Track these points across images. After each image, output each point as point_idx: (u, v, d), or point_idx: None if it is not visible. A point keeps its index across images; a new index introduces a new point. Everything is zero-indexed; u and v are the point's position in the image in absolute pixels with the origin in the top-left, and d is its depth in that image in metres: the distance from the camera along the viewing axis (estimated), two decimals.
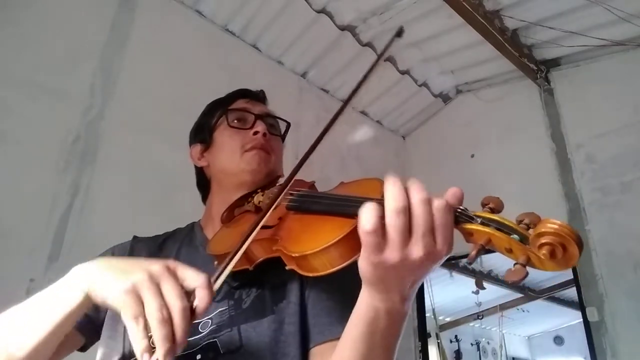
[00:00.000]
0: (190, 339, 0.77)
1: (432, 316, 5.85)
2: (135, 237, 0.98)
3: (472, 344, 7.58)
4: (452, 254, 0.54)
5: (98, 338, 0.87)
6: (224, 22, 2.87)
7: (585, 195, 2.96)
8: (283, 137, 1.06)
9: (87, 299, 0.60)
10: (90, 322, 0.86)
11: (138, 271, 0.56)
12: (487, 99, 3.61)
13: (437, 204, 0.52)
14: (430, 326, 5.14)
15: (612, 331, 2.63)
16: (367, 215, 0.51)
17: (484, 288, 5.75)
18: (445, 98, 3.90)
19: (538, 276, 6.00)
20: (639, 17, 2.71)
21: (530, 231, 0.50)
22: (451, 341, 7.13)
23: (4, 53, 1.96)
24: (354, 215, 0.57)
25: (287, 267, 0.66)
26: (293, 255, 0.64)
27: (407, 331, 3.49)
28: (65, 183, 1.98)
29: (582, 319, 2.81)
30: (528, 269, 0.49)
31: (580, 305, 2.83)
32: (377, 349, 0.61)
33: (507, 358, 7.84)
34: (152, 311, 0.53)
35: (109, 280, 0.58)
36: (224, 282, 0.83)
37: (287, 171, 1.04)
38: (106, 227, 1.94)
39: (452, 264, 4.88)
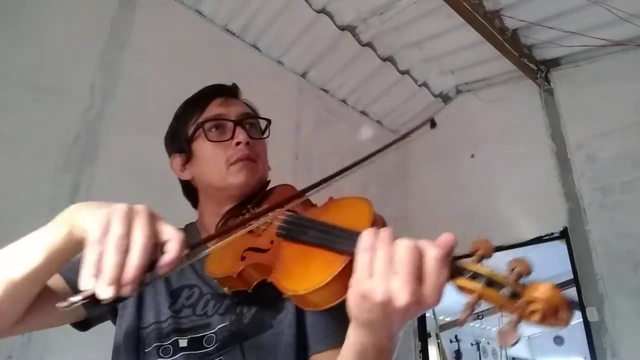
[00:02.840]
0: (194, 352, 0.78)
1: (432, 316, 5.84)
2: None
3: (472, 344, 7.57)
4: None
5: (100, 319, 0.88)
6: (224, 22, 2.87)
7: (585, 195, 2.96)
8: (264, 131, 1.01)
9: (71, 233, 0.60)
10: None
11: (120, 205, 0.56)
12: (487, 99, 3.61)
13: (434, 253, 0.52)
14: (430, 326, 5.13)
15: (612, 331, 2.63)
16: (366, 236, 0.56)
17: None
18: (445, 98, 3.90)
19: (538, 276, 5.97)
20: (639, 17, 2.71)
21: (522, 282, 0.50)
22: (451, 341, 7.12)
23: (4, 53, 1.96)
24: (343, 252, 0.59)
25: (284, 296, 0.67)
26: (288, 293, 0.65)
27: (407, 331, 3.49)
28: (65, 183, 1.98)
29: (582, 319, 2.81)
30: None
31: (580, 305, 2.83)
32: None
33: (507, 358, 7.84)
34: (112, 237, 0.52)
35: (90, 211, 0.59)
36: (227, 296, 0.83)
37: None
38: None
39: None
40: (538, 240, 3.11)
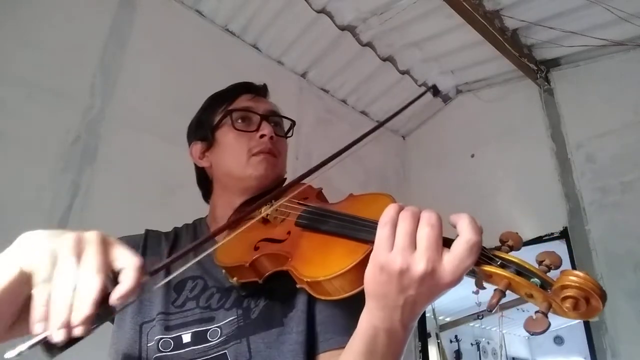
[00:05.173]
0: (197, 346, 0.76)
1: (432, 316, 5.84)
2: (147, 230, 0.95)
3: (472, 344, 7.57)
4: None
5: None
6: (224, 22, 2.87)
7: (585, 195, 2.95)
8: (287, 135, 1.04)
9: (22, 273, 0.51)
10: None
11: (69, 236, 0.51)
12: (487, 99, 3.61)
13: (465, 237, 0.53)
14: (430, 326, 5.14)
15: (612, 331, 2.63)
16: (389, 209, 0.56)
17: (484, 288, 5.72)
18: (445, 98, 3.90)
19: None
20: (639, 17, 2.71)
21: (551, 274, 0.50)
22: (451, 341, 7.12)
23: (4, 53, 1.96)
24: (364, 240, 0.58)
25: (297, 286, 0.67)
26: (305, 279, 0.64)
27: None
28: (65, 183, 1.98)
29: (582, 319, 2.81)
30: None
31: None
32: None
33: (507, 358, 7.84)
34: (59, 276, 0.48)
35: (37, 245, 0.52)
36: (235, 290, 0.82)
37: (288, 170, 1.04)
38: (106, 227, 1.92)
39: None
40: (538, 240, 3.11)
